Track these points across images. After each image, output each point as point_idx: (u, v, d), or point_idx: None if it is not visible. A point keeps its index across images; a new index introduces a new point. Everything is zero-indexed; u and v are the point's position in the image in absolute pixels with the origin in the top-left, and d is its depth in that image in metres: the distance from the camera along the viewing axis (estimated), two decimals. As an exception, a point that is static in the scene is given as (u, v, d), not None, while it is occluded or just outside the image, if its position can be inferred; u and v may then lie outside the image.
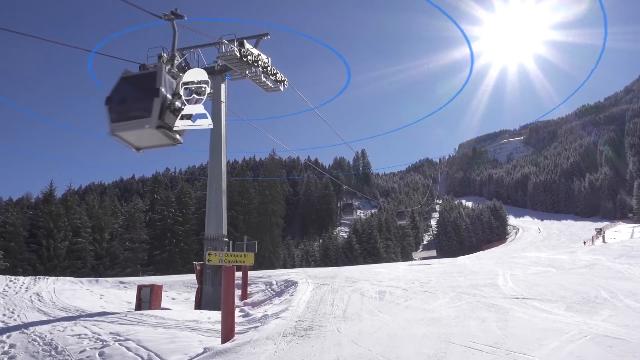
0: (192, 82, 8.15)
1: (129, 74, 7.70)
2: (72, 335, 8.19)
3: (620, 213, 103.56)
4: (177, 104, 7.82)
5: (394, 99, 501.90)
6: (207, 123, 8.44)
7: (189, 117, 7.99)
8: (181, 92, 7.86)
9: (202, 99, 8.10)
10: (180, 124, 7.81)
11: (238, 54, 14.21)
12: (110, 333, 8.19)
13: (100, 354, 6.86)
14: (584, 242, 57.86)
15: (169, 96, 7.78)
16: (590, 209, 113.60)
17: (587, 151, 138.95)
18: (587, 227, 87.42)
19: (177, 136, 7.90)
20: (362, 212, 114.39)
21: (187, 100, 7.88)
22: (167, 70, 7.83)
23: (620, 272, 14.55)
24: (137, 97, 7.41)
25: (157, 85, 7.38)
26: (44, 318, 10.82)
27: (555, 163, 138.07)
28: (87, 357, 6.83)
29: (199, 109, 8.29)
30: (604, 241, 54.40)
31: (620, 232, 72.45)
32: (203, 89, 8.45)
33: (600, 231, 67.92)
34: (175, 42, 9.30)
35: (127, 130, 7.44)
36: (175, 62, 9.16)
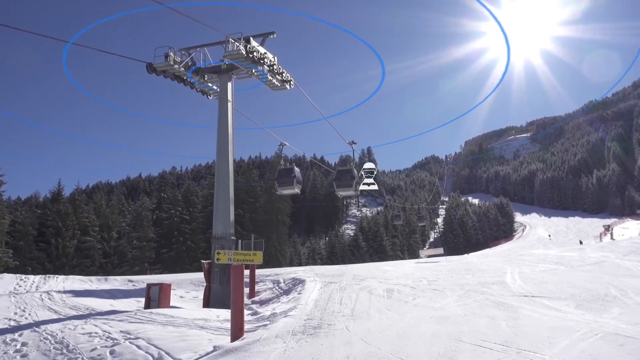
0: (366, 169, 16.77)
1: (340, 168, 16.68)
2: (83, 334, 8.27)
3: (628, 209, 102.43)
4: (360, 179, 16.09)
5: (398, 97, 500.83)
6: (373, 187, 16.61)
7: (364, 184, 16.53)
8: (360, 174, 16.21)
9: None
10: (361, 187, 16.30)
11: (244, 52, 14.25)
12: (121, 331, 8.26)
13: (111, 352, 6.92)
14: (580, 242, 57.17)
15: (357, 177, 15.85)
16: (598, 205, 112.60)
17: (594, 147, 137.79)
18: (594, 224, 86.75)
19: (358, 191, 16.47)
20: (368, 209, 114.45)
21: (363, 178, 16.44)
22: (356, 166, 16.46)
23: (629, 269, 14.48)
24: (346, 178, 15.84)
25: (353, 175, 15.76)
26: (55, 316, 10.92)
27: (562, 160, 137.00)
28: (98, 355, 6.89)
29: (369, 180, 16.54)
30: (612, 238, 53.95)
31: (628, 228, 71.76)
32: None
33: (608, 228, 67.34)
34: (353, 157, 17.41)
35: (342, 191, 16.16)
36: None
